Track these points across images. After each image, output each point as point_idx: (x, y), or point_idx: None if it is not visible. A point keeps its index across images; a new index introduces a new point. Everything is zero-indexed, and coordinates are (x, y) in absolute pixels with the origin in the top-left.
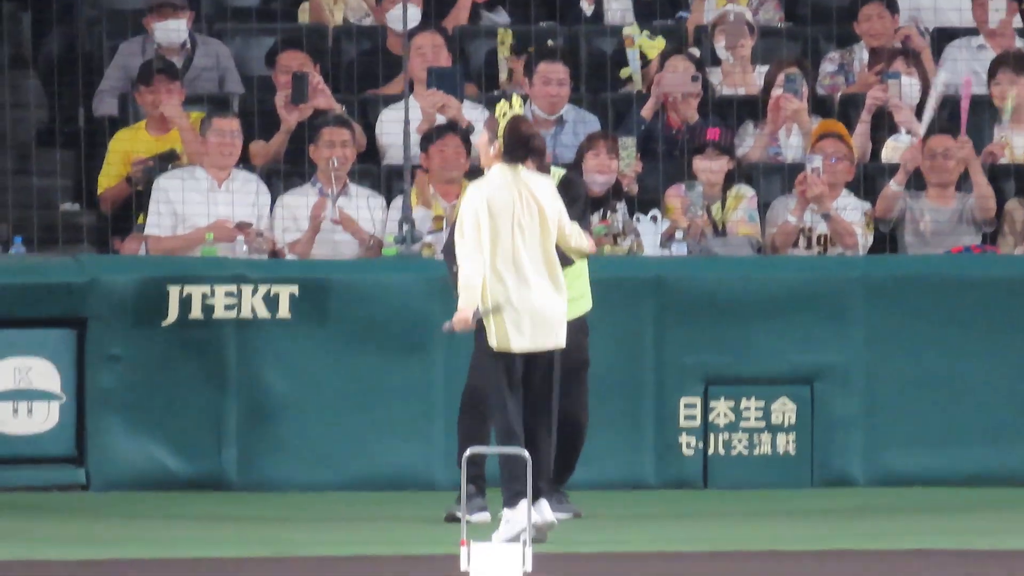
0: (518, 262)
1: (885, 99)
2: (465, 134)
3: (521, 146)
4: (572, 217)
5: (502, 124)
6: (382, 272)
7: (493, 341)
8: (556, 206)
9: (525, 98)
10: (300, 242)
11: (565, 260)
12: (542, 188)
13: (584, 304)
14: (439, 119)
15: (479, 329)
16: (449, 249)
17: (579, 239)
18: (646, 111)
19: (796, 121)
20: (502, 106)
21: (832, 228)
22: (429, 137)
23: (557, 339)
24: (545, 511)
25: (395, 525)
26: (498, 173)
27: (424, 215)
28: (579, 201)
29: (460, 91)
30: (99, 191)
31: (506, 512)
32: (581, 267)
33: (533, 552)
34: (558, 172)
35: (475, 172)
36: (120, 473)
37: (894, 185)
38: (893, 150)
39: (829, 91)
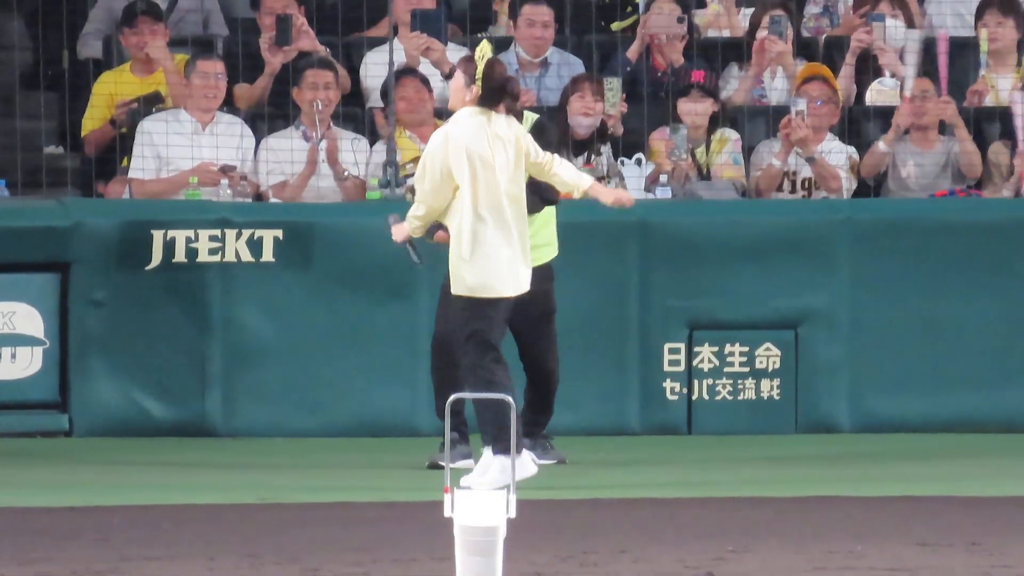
0: (498, 205)
1: (870, 42)
2: (424, 77)
3: (498, 90)
4: None
5: (480, 67)
6: (366, 216)
7: (469, 287)
8: (529, 148)
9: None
10: (289, 186)
11: (535, 206)
12: (513, 131)
13: (550, 251)
14: (423, 62)
15: (446, 276)
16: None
17: (575, 175)
18: (631, 53)
19: (781, 64)
20: (482, 48)
21: (816, 172)
22: (394, 80)
23: (525, 284)
24: (527, 464)
25: (379, 471)
26: (469, 116)
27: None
28: (551, 146)
29: (444, 34)
30: (83, 134)
31: (501, 459)
32: (549, 214)
33: (517, 499)
34: (531, 117)
35: (442, 114)
36: (103, 419)
37: (882, 145)
38: (878, 93)
39: (814, 33)
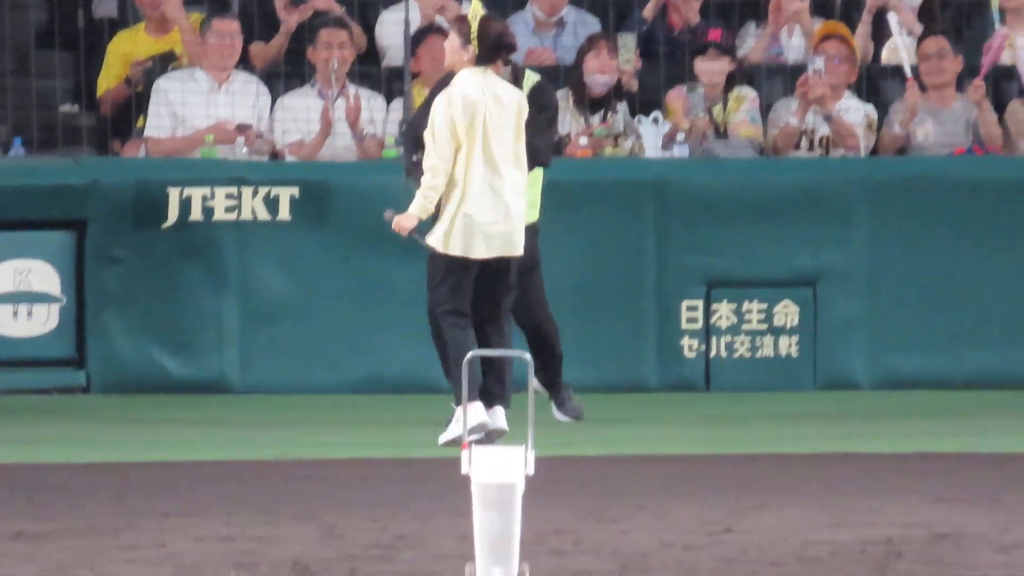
0: (495, 166)
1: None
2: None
3: (495, 46)
4: (540, 124)
5: (474, 25)
6: (383, 174)
7: (451, 244)
8: (524, 109)
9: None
10: (305, 144)
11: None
12: (510, 91)
13: (533, 213)
14: (438, 20)
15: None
16: (409, 135)
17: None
18: (647, 11)
19: (798, 21)
20: (474, 8)
21: (834, 130)
22: (416, 40)
23: (519, 246)
24: (499, 418)
25: (396, 428)
26: (469, 77)
27: None
28: (548, 109)
29: None
30: (99, 93)
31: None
32: (537, 174)
33: (535, 455)
34: (532, 77)
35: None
36: (120, 376)
37: (898, 127)
38: (892, 51)
39: None
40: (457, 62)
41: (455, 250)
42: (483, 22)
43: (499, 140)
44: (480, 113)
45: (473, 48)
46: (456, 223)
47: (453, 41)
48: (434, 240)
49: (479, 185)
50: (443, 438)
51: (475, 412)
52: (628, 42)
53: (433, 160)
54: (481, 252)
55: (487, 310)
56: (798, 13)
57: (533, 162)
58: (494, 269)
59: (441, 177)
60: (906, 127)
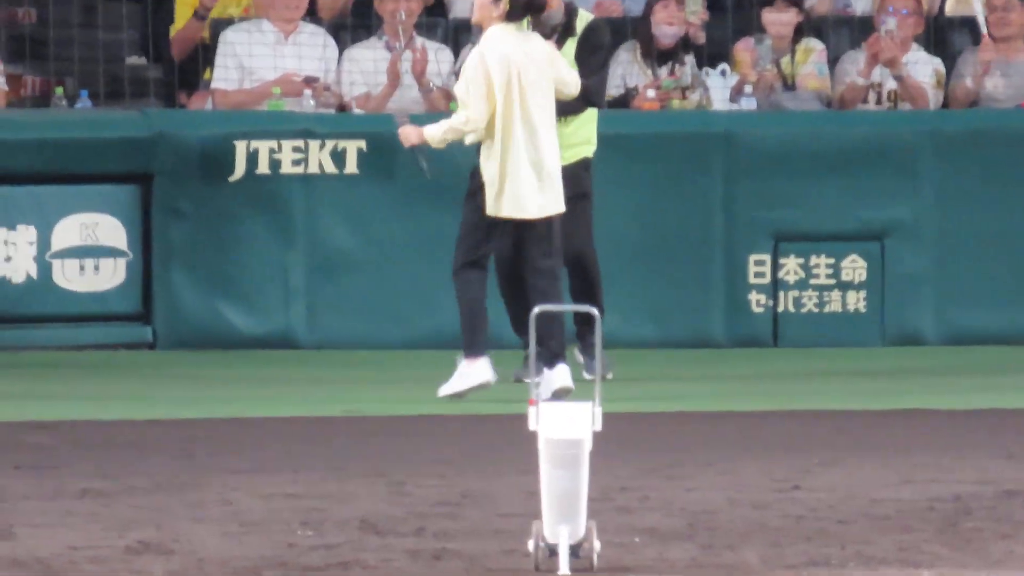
0: (533, 125)
1: None
2: None
3: (527, 3)
4: (593, 65)
5: None
6: None
7: (506, 209)
8: (560, 71)
9: None
10: (372, 97)
11: (577, 108)
12: (540, 46)
13: (588, 149)
14: None
15: (476, 192)
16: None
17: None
18: None
19: None
20: None
21: (903, 89)
22: None
23: (560, 204)
24: (565, 376)
25: None
26: (501, 33)
27: None
28: (602, 49)
29: None
30: (171, 36)
31: (546, 372)
32: (590, 114)
33: (603, 412)
34: (585, 16)
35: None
36: (187, 331)
37: (970, 82)
38: (963, 3)
39: None
40: (487, 18)
41: (506, 212)
42: None
43: (535, 98)
44: (515, 72)
45: (504, 4)
46: (506, 186)
47: None
48: (486, 206)
49: (522, 146)
50: (444, 391)
51: (480, 370)
52: None
53: (466, 115)
54: (532, 212)
55: (538, 269)
56: None
57: (585, 103)
58: (540, 227)
59: (471, 129)
60: (978, 83)
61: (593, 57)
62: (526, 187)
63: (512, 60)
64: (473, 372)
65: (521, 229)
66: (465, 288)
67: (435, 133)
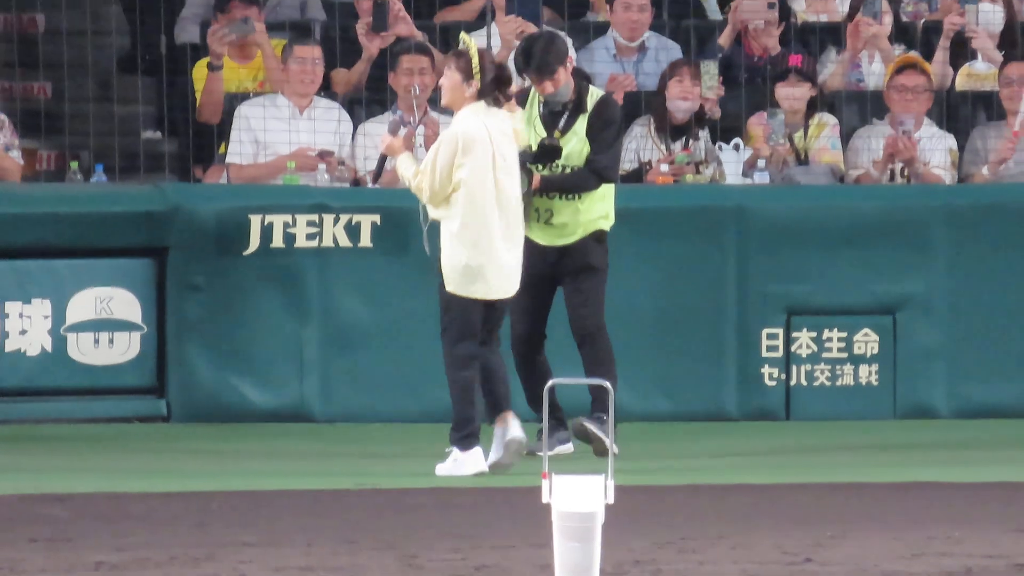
0: (506, 203)
1: (962, 24)
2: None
3: (496, 79)
4: (605, 141)
5: (475, 61)
6: None
7: (464, 286)
8: (519, 135)
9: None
10: (387, 172)
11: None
12: (507, 123)
13: (603, 223)
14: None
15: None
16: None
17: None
18: (723, 39)
19: (876, 46)
20: (466, 42)
21: (920, 179)
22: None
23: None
24: (517, 427)
25: None
26: (474, 115)
27: None
28: (613, 125)
29: (539, 18)
30: (198, 103)
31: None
32: (607, 188)
33: (615, 484)
34: (596, 92)
35: None
36: (201, 404)
37: (985, 170)
38: (968, 77)
39: (912, 18)
40: (459, 99)
41: (480, 294)
42: (481, 56)
43: (507, 176)
44: (486, 152)
45: (476, 83)
46: (483, 270)
47: (453, 77)
48: (455, 286)
49: (496, 230)
50: (442, 470)
51: (476, 459)
52: (711, 69)
53: (427, 187)
54: (502, 293)
55: (486, 338)
56: (876, 37)
57: (598, 179)
58: (500, 302)
59: (425, 200)
60: (994, 171)
61: (604, 132)
62: (504, 269)
63: (480, 141)
64: (470, 462)
65: (488, 308)
66: (465, 375)
67: (406, 169)
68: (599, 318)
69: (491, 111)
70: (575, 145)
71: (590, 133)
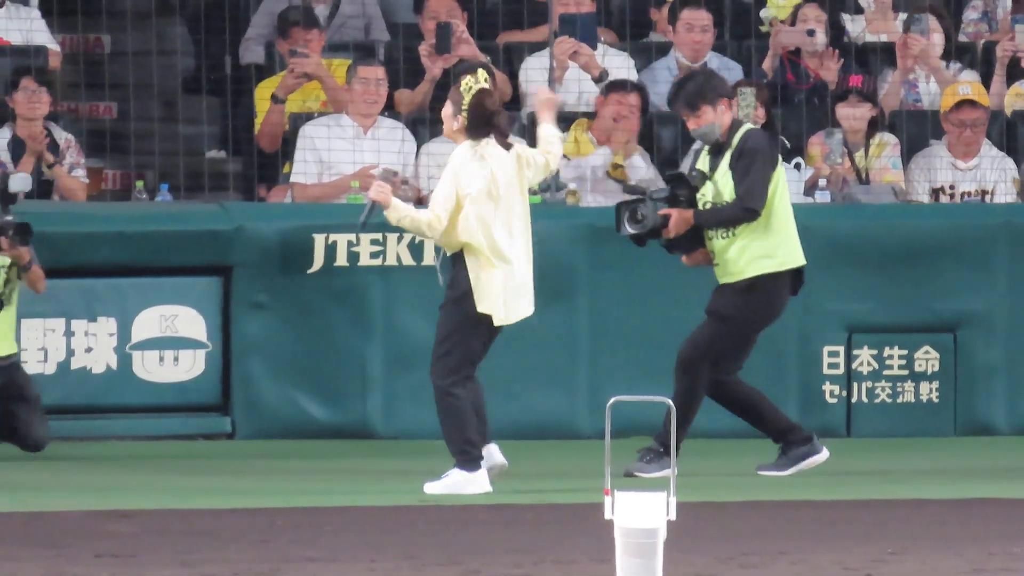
0: (511, 231)
1: (1014, 48)
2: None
3: (484, 123)
4: (741, 170)
5: (467, 98)
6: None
7: (492, 311)
8: (527, 157)
9: (490, 71)
10: None
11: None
12: (505, 158)
13: (765, 263)
14: (571, 66)
15: (462, 296)
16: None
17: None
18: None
19: (926, 64)
20: (467, 81)
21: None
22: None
23: (530, 307)
24: (498, 453)
25: (538, 473)
26: (469, 151)
27: (579, 163)
28: (751, 155)
29: (595, 38)
30: (255, 131)
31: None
32: (766, 225)
33: (677, 501)
34: (745, 128)
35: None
36: (265, 421)
37: None
38: (1017, 96)
39: (972, 38)
40: (450, 132)
41: (504, 316)
42: (477, 95)
43: (508, 207)
44: (486, 190)
45: (462, 119)
46: (508, 292)
47: (447, 108)
48: (489, 309)
49: (508, 254)
50: (431, 489)
51: (481, 480)
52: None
53: (433, 217)
54: (524, 312)
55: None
56: (924, 53)
57: (739, 209)
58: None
59: (431, 234)
60: None
61: (740, 162)
62: (522, 290)
63: (481, 178)
64: (476, 484)
65: (493, 333)
66: (463, 403)
67: (398, 210)
68: (693, 355)
69: (487, 146)
70: (725, 183)
71: (732, 165)
